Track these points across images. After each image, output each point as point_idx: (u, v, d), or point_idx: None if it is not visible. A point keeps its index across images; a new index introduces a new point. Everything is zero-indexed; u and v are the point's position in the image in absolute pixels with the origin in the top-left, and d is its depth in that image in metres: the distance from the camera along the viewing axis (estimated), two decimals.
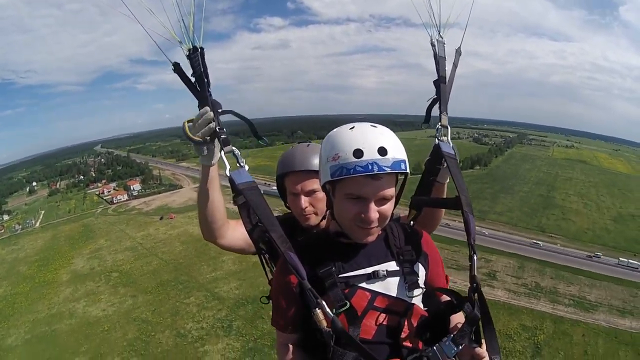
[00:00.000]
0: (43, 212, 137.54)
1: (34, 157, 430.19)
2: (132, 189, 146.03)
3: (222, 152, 1.86)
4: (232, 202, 1.92)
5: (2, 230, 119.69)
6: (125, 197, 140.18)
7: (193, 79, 1.89)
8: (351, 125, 1.66)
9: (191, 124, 1.90)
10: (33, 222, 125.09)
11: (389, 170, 1.53)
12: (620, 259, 73.21)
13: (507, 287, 62.41)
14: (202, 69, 1.85)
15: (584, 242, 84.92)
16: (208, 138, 1.90)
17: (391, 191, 1.62)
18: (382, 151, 1.53)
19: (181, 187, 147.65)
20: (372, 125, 1.64)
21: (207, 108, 1.85)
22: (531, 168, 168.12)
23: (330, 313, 1.52)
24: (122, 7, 1.72)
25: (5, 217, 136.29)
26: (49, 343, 54.06)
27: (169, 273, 72.02)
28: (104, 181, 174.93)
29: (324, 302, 1.53)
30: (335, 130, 1.69)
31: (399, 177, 1.68)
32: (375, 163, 1.51)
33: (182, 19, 1.83)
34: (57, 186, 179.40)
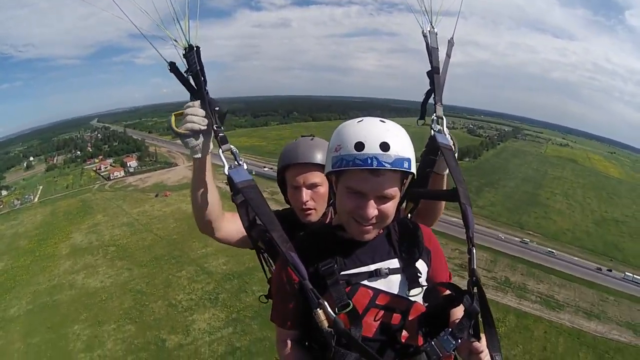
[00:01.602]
0: (41, 187, 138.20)
1: (30, 130, 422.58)
2: (128, 165, 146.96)
3: (220, 150, 1.83)
4: (231, 200, 1.88)
5: (1, 206, 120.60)
6: (122, 173, 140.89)
7: (190, 78, 1.87)
8: (360, 118, 1.63)
9: (180, 117, 1.87)
10: (32, 197, 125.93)
11: (389, 166, 1.47)
12: (627, 273, 70.64)
13: None
14: (198, 68, 1.84)
15: (561, 243, 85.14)
16: (198, 128, 1.85)
17: (393, 190, 1.56)
18: (385, 146, 1.47)
19: (176, 165, 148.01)
20: (380, 120, 1.59)
21: (195, 103, 1.84)
22: (521, 164, 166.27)
23: (332, 313, 1.49)
24: (115, 6, 1.73)
25: (4, 192, 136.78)
26: (50, 312, 56.57)
27: (163, 248, 74.61)
28: (100, 157, 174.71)
29: (325, 303, 1.50)
30: (344, 122, 1.66)
31: (405, 180, 1.65)
32: (376, 158, 1.46)
33: (177, 19, 1.83)
34: (55, 161, 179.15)
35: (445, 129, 2.20)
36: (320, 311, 1.49)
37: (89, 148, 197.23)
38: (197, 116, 1.83)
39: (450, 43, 2.39)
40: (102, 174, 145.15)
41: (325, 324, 1.49)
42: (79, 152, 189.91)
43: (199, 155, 1.92)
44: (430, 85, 2.29)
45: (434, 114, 2.21)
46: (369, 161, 1.46)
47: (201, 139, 1.89)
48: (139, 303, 56.96)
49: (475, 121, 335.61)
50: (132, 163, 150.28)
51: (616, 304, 60.47)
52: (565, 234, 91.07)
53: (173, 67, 1.85)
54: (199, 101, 1.85)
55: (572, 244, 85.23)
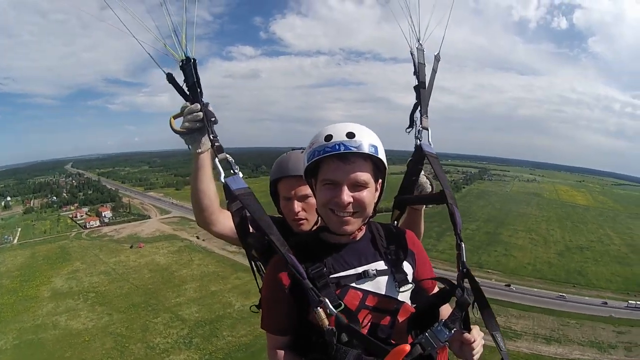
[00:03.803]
0: (20, 229, 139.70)
1: (5, 168, 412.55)
2: (103, 215, 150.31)
3: (217, 159, 1.90)
4: (227, 208, 1.89)
5: None
6: (98, 223, 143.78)
7: (186, 89, 1.96)
8: None
9: (178, 119, 1.98)
10: (11, 238, 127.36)
11: (355, 149, 1.57)
12: (630, 301, 72.20)
13: None
14: (195, 79, 1.91)
15: (521, 277, 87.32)
16: (196, 125, 1.95)
17: (365, 176, 1.62)
18: (350, 135, 1.58)
19: (149, 217, 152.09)
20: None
21: (196, 104, 1.93)
22: (484, 205, 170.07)
23: (333, 309, 1.50)
24: (115, 21, 1.81)
25: None
26: (36, 348, 59.73)
27: (140, 296, 79.43)
28: (76, 205, 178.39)
29: (327, 300, 1.52)
30: None
31: (378, 170, 1.70)
32: (342, 144, 1.56)
33: (174, 31, 1.87)
34: (31, 204, 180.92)
35: (430, 139, 2.29)
36: (320, 310, 1.51)
37: (65, 194, 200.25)
38: (193, 114, 1.94)
39: (437, 58, 2.49)
40: (78, 222, 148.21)
41: (326, 322, 1.50)
42: (54, 198, 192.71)
43: (199, 150, 2.02)
44: (416, 99, 2.40)
45: (420, 125, 2.31)
46: (337, 147, 1.57)
47: (200, 136, 2.01)
48: (120, 344, 61.11)
49: (443, 166, 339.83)
50: (107, 213, 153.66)
51: (578, 326, 64.09)
52: (525, 268, 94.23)
53: (170, 77, 1.97)
54: (196, 104, 1.95)
55: (531, 277, 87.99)
